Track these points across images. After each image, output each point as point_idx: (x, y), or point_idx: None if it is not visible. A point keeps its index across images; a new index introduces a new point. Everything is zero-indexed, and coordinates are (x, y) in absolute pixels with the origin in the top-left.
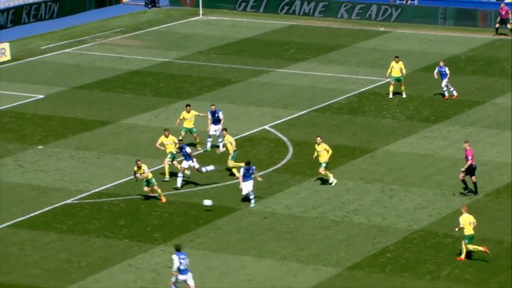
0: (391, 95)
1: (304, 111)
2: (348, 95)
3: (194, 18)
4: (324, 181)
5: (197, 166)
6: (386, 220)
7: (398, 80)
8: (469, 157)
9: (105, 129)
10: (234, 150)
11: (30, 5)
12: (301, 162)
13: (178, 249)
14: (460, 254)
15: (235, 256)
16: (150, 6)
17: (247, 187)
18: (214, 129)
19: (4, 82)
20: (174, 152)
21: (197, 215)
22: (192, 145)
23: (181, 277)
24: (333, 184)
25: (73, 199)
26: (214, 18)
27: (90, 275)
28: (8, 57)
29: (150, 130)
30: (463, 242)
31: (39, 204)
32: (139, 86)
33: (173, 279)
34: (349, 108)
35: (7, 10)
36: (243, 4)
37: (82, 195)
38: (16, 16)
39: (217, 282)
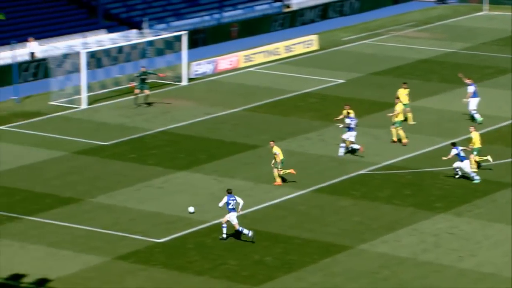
0: None
1: None
2: None
3: (479, 13)
4: None
5: (351, 139)
6: None
7: None
8: None
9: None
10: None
11: (336, 2)
12: None
13: (229, 192)
14: None
15: (510, 226)
16: (439, 2)
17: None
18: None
19: (312, 68)
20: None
21: (475, 188)
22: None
23: (230, 215)
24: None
25: (366, 170)
26: (497, 13)
27: (379, 236)
28: (316, 47)
29: (434, 112)
30: None
31: (337, 173)
32: (426, 73)
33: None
34: None
35: (316, 6)
36: None
37: (374, 167)
38: (323, 12)
39: (493, 248)
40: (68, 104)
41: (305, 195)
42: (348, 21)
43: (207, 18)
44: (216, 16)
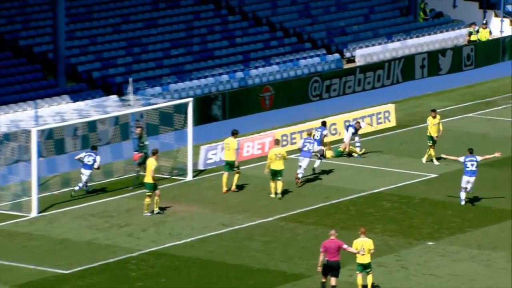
0: None
1: None
2: None
3: None
4: None
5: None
6: None
7: None
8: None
9: None
10: None
11: (425, 53)
12: None
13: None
14: None
15: None
16: None
17: None
18: None
19: (386, 155)
20: None
21: None
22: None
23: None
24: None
25: None
26: None
27: None
28: (393, 122)
29: None
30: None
31: None
32: None
33: None
34: None
35: (394, 60)
36: None
37: None
38: (406, 68)
39: None
40: (9, 211)
41: None
42: (444, 82)
43: (225, 77)
44: (239, 74)
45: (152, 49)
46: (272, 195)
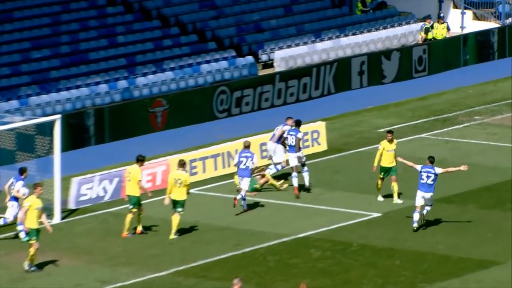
0: None
1: None
2: None
3: None
4: None
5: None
6: None
7: None
8: None
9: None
10: None
11: (364, 55)
12: None
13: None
14: None
15: None
16: None
17: None
18: None
19: (316, 189)
20: None
21: None
22: None
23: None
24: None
25: None
26: None
27: None
28: (324, 146)
29: None
30: None
31: None
32: None
33: None
34: None
35: (325, 64)
36: None
37: None
38: (339, 75)
39: None
40: None
41: None
42: (389, 94)
43: (103, 87)
44: (122, 83)
45: (7, 51)
46: (172, 236)
